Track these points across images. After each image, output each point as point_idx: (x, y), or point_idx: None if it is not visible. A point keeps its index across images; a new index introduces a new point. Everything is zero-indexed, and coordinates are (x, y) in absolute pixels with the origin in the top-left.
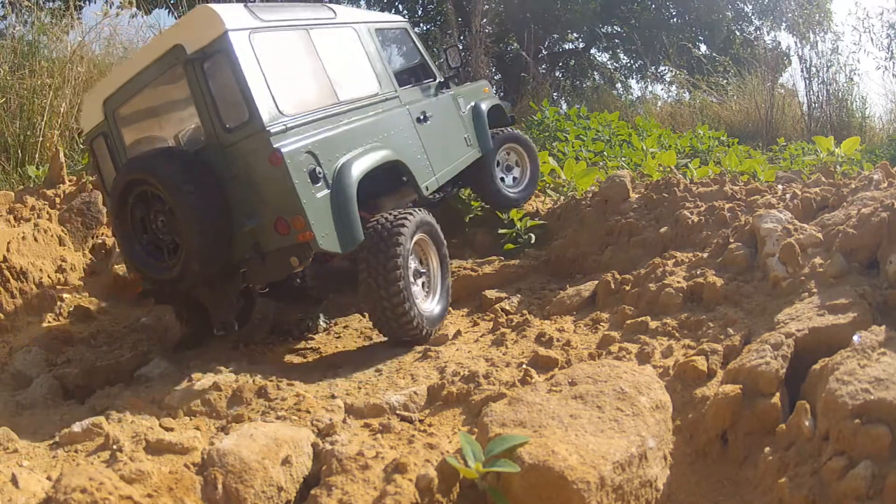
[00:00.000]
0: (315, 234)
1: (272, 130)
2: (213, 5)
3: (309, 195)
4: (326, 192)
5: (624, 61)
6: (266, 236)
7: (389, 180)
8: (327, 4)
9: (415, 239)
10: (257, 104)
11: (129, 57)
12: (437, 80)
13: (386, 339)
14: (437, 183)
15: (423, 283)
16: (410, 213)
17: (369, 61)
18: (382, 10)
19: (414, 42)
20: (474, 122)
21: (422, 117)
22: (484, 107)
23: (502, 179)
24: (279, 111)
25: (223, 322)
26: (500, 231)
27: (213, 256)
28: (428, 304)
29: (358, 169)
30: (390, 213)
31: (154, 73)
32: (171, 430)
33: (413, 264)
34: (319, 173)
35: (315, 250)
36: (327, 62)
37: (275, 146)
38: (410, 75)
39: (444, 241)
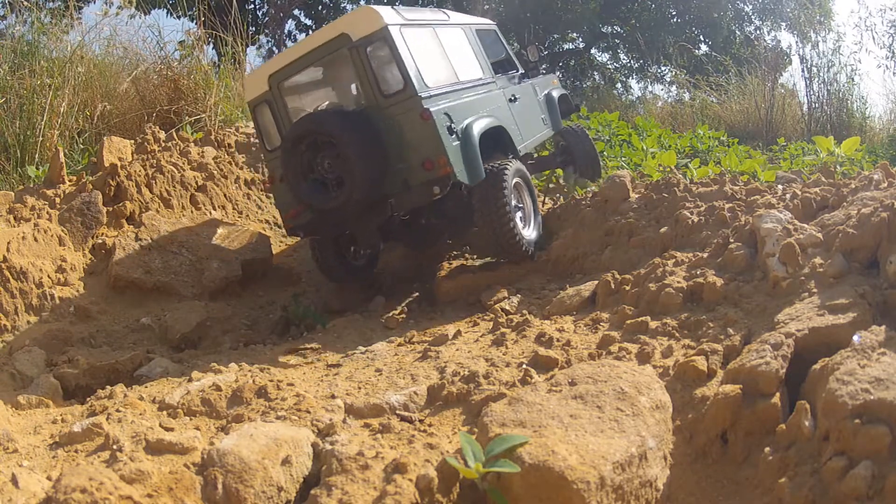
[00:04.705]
0: (453, 168)
1: (422, 96)
2: (373, 6)
3: (448, 142)
4: (458, 142)
5: (624, 61)
6: (413, 173)
7: (494, 147)
8: (441, 10)
9: (514, 181)
10: (411, 77)
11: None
12: (519, 72)
13: (385, 337)
14: (526, 149)
15: (520, 217)
16: (510, 162)
17: (474, 53)
18: None
19: (501, 40)
20: (548, 106)
21: (512, 98)
22: (555, 95)
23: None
24: (424, 83)
25: (369, 243)
26: None
27: (371, 188)
28: (527, 231)
29: (478, 128)
30: (497, 163)
31: (320, 54)
32: (171, 430)
33: (514, 201)
34: (453, 129)
35: (453, 181)
36: (449, 51)
37: (425, 107)
38: (500, 66)
39: (534, 185)
